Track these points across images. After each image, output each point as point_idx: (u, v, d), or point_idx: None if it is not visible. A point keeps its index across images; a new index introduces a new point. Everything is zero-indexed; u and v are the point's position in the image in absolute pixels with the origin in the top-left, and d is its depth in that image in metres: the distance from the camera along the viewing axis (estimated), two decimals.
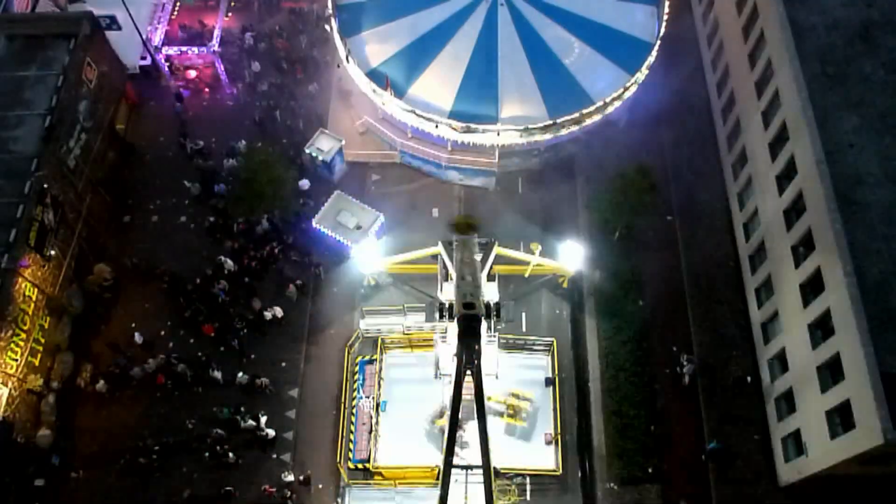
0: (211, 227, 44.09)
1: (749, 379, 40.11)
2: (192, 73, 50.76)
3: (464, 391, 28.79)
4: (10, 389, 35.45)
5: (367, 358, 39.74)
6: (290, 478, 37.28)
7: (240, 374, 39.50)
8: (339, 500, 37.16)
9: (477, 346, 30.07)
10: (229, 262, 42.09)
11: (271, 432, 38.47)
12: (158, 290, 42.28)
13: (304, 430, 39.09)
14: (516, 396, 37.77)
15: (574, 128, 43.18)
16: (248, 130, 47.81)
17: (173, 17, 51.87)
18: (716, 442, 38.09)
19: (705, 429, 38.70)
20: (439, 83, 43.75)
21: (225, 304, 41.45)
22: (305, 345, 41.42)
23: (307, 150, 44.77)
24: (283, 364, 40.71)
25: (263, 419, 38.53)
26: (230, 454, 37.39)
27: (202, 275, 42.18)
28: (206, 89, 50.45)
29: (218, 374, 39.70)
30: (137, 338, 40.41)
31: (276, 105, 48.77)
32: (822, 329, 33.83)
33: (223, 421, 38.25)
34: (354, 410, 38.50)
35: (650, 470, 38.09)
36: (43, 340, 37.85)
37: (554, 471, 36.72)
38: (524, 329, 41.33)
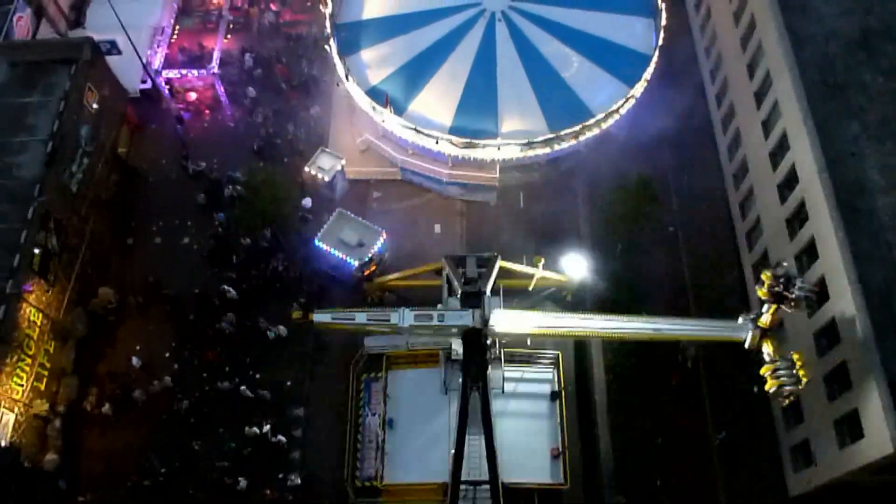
0: (211, 256, 43.86)
1: (756, 389, 39.94)
2: (193, 96, 50.98)
3: None
4: (17, 415, 35.38)
5: (372, 375, 39.62)
6: (298, 481, 37.53)
7: (243, 387, 39.63)
8: None
9: (482, 362, 30.17)
10: (232, 292, 41.98)
11: (283, 438, 38.60)
12: (162, 312, 42.30)
13: (310, 449, 38.97)
14: None
15: (574, 141, 43.25)
16: (249, 153, 47.86)
17: (173, 40, 52.13)
18: (724, 433, 38.47)
19: (710, 425, 38.94)
20: (439, 99, 43.91)
21: (231, 335, 41.44)
22: (310, 363, 41.37)
23: (308, 169, 44.89)
24: (289, 383, 40.65)
25: (267, 427, 38.59)
26: (240, 480, 37.31)
27: (204, 304, 42.17)
28: (207, 111, 50.64)
29: (226, 384, 39.86)
30: (135, 362, 40.37)
31: (275, 133, 48.70)
32: (827, 338, 33.75)
33: (230, 454, 38.12)
34: (361, 428, 38.33)
35: (658, 482, 37.95)
36: (48, 365, 37.82)
37: (561, 485, 36.51)
38: (529, 342, 41.20)
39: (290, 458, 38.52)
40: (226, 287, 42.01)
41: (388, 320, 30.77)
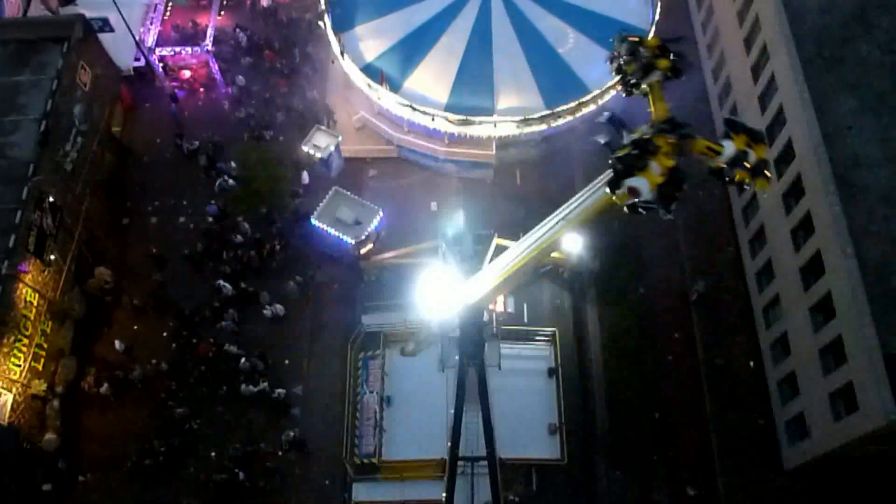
0: (204, 252, 43.17)
1: (752, 363, 40.25)
2: (187, 74, 50.55)
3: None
4: (15, 395, 35.42)
5: (370, 353, 39.75)
6: (291, 434, 38.13)
7: (242, 360, 39.75)
8: (346, 496, 37.27)
9: (479, 338, 30.21)
10: (227, 287, 41.46)
11: (282, 391, 39.13)
12: (159, 301, 42.29)
13: (309, 427, 39.15)
14: None
15: (571, 117, 43.07)
16: (244, 131, 47.74)
17: (166, 17, 51.51)
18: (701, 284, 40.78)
19: (707, 402, 38.87)
20: (434, 76, 43.63)
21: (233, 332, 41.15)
22: (308, 342, 41.47)
23: (304, 147, 44.68)
24: (287, 362, 40.77)
25: (264, 384, 39.06)
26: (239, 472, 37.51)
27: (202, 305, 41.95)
28: (201, 89, 50.25)
29: (234, 349, 40.10)
30: (118, 345, 40.33)
31: (267, 125, 47.83)
32: (823, 312, 33.87)
33: (236, 458, 37.92)
34: (359, 406, 38.52)
35: (655, 457, 38.26)
36: (45, 345, 37.78)
37: (559, 460, 36.79)
38: (526, 320, 41.35)
39: (288, 437, 38.80)
40: (221, 282, 41.52)
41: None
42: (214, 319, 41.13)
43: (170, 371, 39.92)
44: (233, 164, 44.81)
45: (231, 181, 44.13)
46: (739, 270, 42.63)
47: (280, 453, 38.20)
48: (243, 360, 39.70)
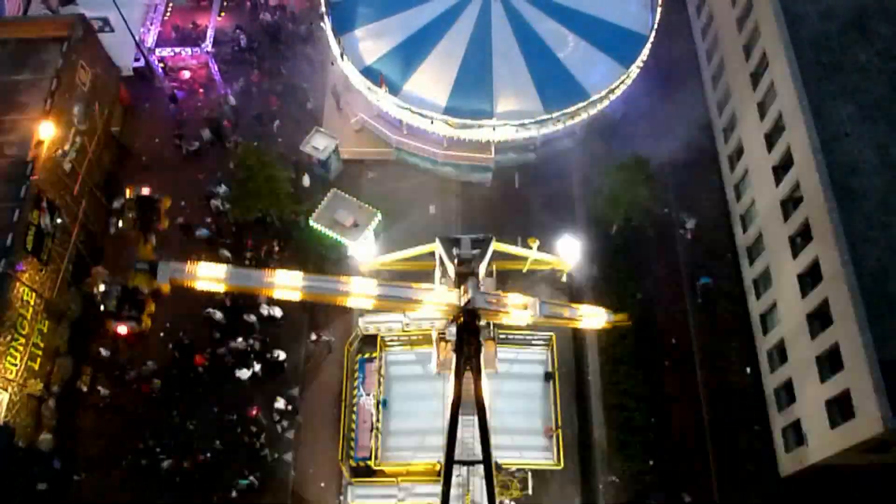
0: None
1: (749, 370, 40.25)
2: (186, 74, 50.62)
3: None
4: (11, 394, 35.34)
5: (366, 356, 39.72)
6: (280, 404, 38.61)
7: (239, 339, 40.17)
8: (342, 498, 37.21)
9: (476, 343, 30.17)
10: (218, 314, 41.11)
11: (282, 355, 39.78)
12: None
13: (305, 429, 39.17)
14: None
15: (570, 121, 43.12)
16: (243, 132, 47.63)
17: (166, 17, 51.66)
18: (707, 277, 41.18)
19: (704, 406, 38.82)
20: (434, 79, 43.67)
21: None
22: (305, 344, 41.43)
23: (303, 149, 44.67)
24: (285, 364, 40.67)
25: (257, 367, 39.55)
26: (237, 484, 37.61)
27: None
28: (201, 90, 50.29)
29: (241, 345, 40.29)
30: (104, 352, 40.30)
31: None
32: (820, 319, 33.89)
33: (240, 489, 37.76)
34: (355, 408, 38.49)
35: (651, 463, 38.21)
36: (42, 344, 37.73)
37: (555, 465, 36.75)
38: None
39: (284, 439, 38.73)
40: (210, 310, 41.05)
41: None
42: (211, 343, 41.02)
43: (162, 386, 39.82)
44: (222, 187, 44.64)
45: (227, 204, 44.01)
46: (737, 277, 42.63)
47: (272, 456, 38.33)
48: (239, 339, 39.85)
